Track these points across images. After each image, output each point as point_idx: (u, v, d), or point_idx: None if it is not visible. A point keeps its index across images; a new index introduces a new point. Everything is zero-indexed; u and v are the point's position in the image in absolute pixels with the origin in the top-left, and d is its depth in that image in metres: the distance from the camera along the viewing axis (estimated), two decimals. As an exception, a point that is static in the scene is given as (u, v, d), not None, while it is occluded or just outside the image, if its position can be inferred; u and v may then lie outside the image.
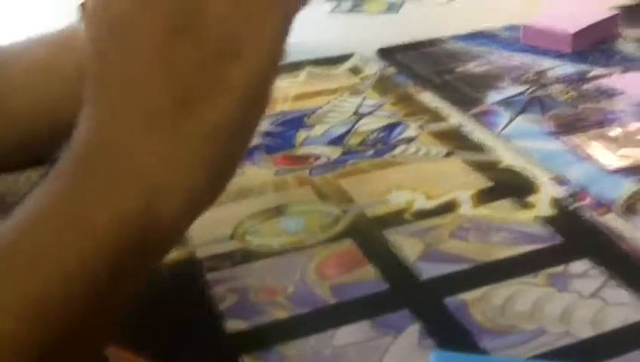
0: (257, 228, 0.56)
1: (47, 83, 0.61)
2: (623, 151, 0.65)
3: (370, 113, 0.76)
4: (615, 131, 0.68)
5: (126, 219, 0.35)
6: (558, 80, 0.81)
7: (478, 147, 0.68)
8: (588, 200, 0.58)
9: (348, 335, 0.46)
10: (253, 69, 0.37)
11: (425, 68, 0.86)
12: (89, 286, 0.34)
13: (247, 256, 0.54)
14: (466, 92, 0.79)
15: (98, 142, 0.37)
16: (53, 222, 0.35)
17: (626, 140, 0.67)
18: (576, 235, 0.54)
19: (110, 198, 0.35)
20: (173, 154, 0.36)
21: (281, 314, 0.48)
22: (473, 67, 0.86)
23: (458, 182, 0.62)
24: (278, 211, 0.58)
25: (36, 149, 0.64)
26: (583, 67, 0.83)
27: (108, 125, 0.37)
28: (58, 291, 0.34)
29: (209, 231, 0.55)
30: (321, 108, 0.77)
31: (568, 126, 0.70)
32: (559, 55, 0.87)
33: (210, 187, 0.38)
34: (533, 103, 0.75)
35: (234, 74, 0.37)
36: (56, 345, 0.34)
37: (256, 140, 0.68)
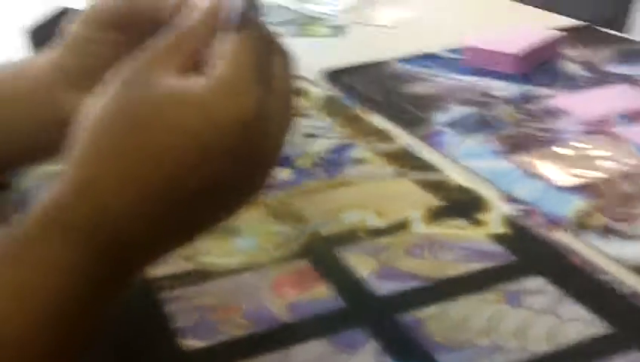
0: (210, 248, 0.56)
1: None
2: (572, 170, 0.66)
3: (319, 135, 0.75)
4: (562, 150, 0.69)
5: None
6: (504, 101, 0.82)
7: (427, 167, 0.68)
8: (538, 218, 0.59)
9: (304, 353, 0.45)
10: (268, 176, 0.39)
11: (371, 90, 0.87)
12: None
13: (201, 276, 0.53)
14: (413, 113, 0.80)
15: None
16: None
17: (574, 159, 0.68)
18: (528, 252, 0.55)
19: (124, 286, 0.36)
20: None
21: (237, 333, 0.47)
22: (419, 89, 0.86)
23: (409, 201, 0.62)
24: (231, 232, 0.58)
25: None
26: (527, 88, 0.85)
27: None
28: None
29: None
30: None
31: (515, 145, 0.71)
32: (503, 76, 0.88)
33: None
34: (480, 124, 0.76)
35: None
36: None
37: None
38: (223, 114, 0.34)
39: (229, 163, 0.35)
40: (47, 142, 0.45)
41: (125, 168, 0.34)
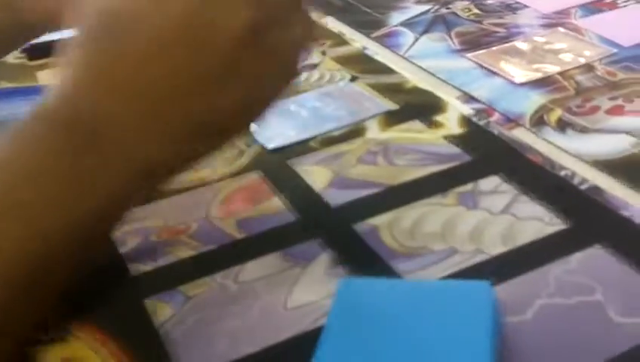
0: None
1: None
2: (531, 65, 0.64)
3: (271, 42, 0.73)
4: (521, 45, 0.68)
5: (116, 201, 0.37)
6: (462, -3, 0.79)
7: (382, 70, 0.66)
8: (496, 116, 0.57)
9: (255, 269, 0.44)
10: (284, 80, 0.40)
11: (326, -8, 0.84)
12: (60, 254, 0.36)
13: (147, 196, 0.51)
14: (369, 14, 0.77)
15: (96, 117, 0.36)
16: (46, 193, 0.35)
17: (534, 54, 0.66)
18: (484, 152, 0.53)
19: (105, 181, 0.36)
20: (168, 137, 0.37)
21: (185, 254, 0.46)
22: (375, -11, 0.84)
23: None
24: (178, 148, 0.56)
25: None
26: (485, -18, 0.82)
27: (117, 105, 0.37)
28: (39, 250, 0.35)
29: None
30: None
31: (474, 42, 0.69)
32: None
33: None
34: (437, 22, 0.74)
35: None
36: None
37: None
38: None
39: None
40: None
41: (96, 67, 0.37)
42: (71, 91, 0.37)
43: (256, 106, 0.40)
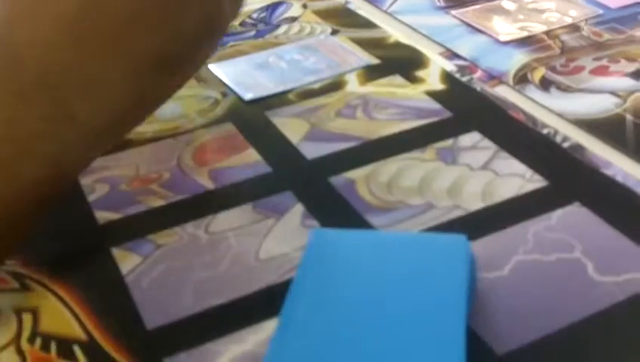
0: (130, 115, 0.52)
1: None
2: (516, 24, 0.63)
3: (251, -7, 0.71)
4: (507, 4, 0.66)
5: (69, 165, 0.36)
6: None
7: (364, 24, 0.64)
8: (479, 73, 0.56)
9: (227, 220, 0.43)
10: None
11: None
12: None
13: (118, 145, 0.49)
14: (353, -31, 0.76)
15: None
16: None
17: (519, 13, 0.65)
18: (466, 108, 0.52)
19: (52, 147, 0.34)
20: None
21: (155, 203, 0.44)
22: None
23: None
24: (153, 97, 0.54)
25: None
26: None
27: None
28: None
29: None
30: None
31: (459, 0, 0.68)
32: None
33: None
34: (422, -22, 0.72)
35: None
36: None
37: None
38: None
39: None
40: None
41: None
42: (6, 31, 0.32)
43: (213, 26, 0.38)
